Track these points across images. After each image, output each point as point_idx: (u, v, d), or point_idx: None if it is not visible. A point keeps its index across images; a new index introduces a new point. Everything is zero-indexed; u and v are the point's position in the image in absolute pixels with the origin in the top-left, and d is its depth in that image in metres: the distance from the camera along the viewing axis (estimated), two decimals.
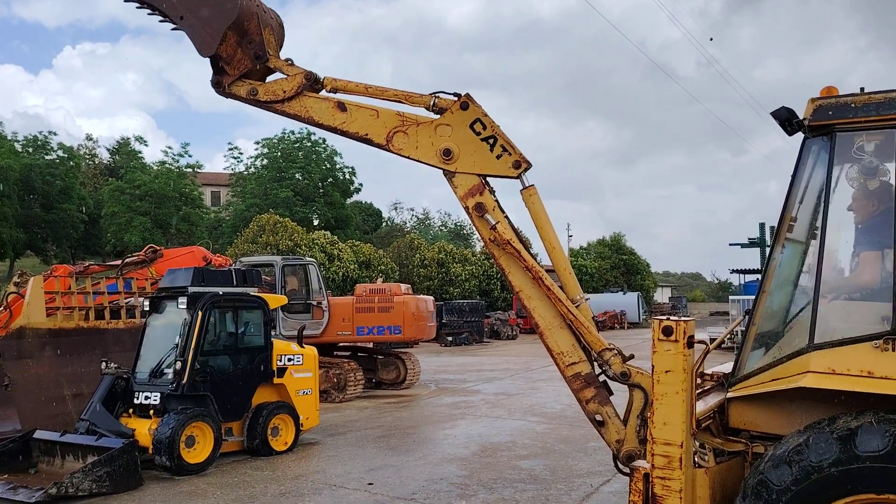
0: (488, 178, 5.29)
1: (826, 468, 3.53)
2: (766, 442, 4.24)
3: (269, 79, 5.67)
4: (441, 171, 5.30)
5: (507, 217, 5.27)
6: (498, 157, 5.19)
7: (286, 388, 10.26)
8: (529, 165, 5.21)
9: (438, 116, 5.30)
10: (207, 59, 5.51)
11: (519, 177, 5.21)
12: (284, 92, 5.49)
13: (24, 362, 10.18)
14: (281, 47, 5.73)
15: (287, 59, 5.62)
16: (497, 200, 5.30)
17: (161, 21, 5.67)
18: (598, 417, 4.91)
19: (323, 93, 5.59)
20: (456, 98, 5.27)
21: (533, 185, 5.25)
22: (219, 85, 5.58)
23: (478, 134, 5.20)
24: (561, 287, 5.15)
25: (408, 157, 5.35)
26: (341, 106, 5.46)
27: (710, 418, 4.44)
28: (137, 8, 5.66)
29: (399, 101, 5.44)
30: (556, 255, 5.23)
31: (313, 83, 5.53)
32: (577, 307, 5.04)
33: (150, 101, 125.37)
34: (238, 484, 8.30)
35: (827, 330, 3.95)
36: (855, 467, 3.49)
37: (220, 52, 5.37)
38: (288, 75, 5.53)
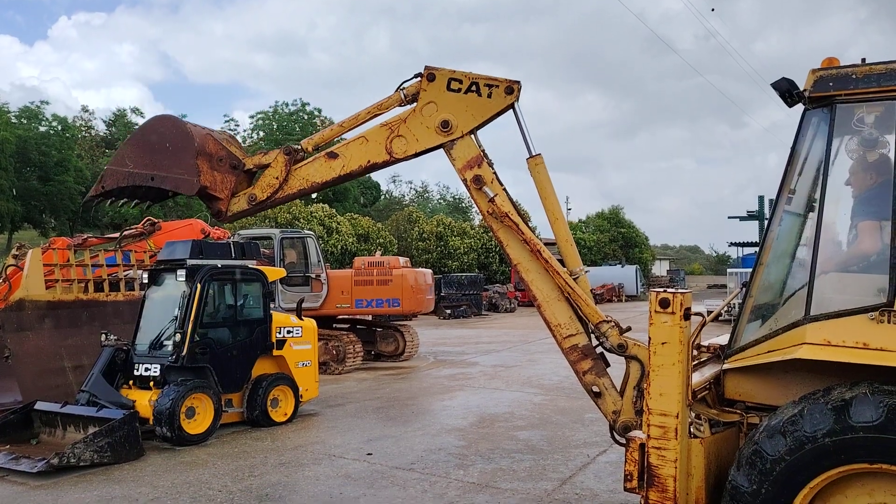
0: (486, 149, 5.30)
1: (820, 438, 3.57)
2: (761, 413, 4.28)
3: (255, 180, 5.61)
4: (443, 146, 5.29)
5: (505, 190, 5.27)
6: (489, 95, 5.19)
7: (285, 359, 10.32)
8: (519, 83, 5.20)
9: (416, 103, 5.29)
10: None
11: (517, 99, 5.20)
12: (277, 178, 5.44)
13: (24, 334, 10.22)
14: (243, 152, 5.67)
15: (258, 153, 5.62)
16: (496, 173, 5.30)
17: (135, 201, 5.75)
18: (595, 389, 4.96)
19: (309, 157, 5.54)
20: (419, 77, 5.28)
21: (539, 154, 5.28)
22: (220, 214, 5.50)
23: (459, 90, 5.21)
24: (560, 259, 5.19)
25: (416, 155, 5.38)
26: (331, 154, 5.44)
27: (706, 389, 4.48)
28: (110, 203, 5.81)
29: (374, 116, 5.43)
30: (559, 226, 5.26)
31: (294, 154, 5.48)
32: (575, 279, 5.08)
33: (146, 73, 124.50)
34: (238, 454, 8.39)
35: (823, 302, 3.96)
36: (849, 438, 3.52)
37: (203, 182, 5.26)
38: (269, 164, 5.47)
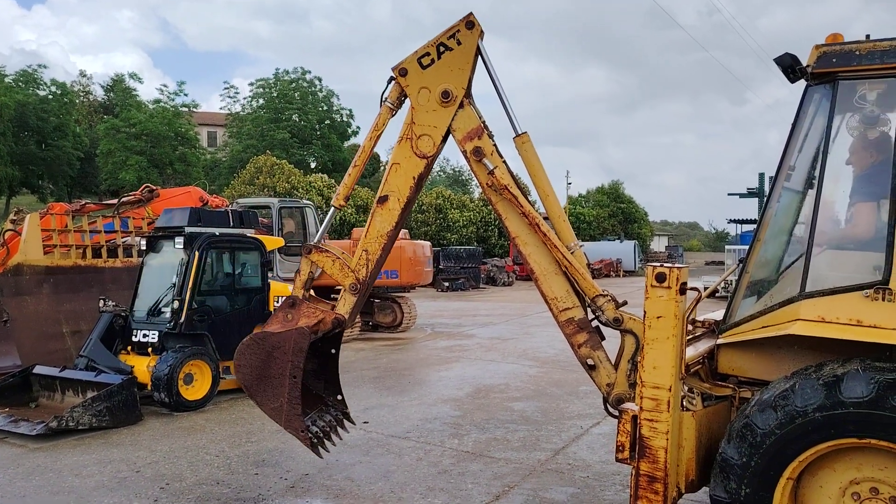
0: (487, 124, 5.29)
1: (811, 413, 3.61)
2: (753, 387, 4.32)
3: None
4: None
5: (505, 162, 5.26)
6: (458, 42, 5.22)
7: None
8: (471, 13, 5.22)
9: (407, 100, 5.38)
10: None
11: (481, 34, 5.21)
12: (364, 253, 5.53)
13: (23, 299, 10.26)
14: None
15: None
16: (496, 145, 5.28)
17: None
18: (590, 361, 5.00)
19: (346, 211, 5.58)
20: (392, 80, 5.36)
21: (526, 132, 5.23)
22: (343, 321, 5.57)
23: (433, 60, 5.26)
24: (557, 234, 5.20)
25: (444, 140, 5.37)
26: (381, 199, 5.46)
27: (700, 363, 4.51)
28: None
29: (376, 139, 5.51)
30: (550, 203, 5.28)
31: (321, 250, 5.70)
32: (571, 254, 5.09)
33: (146, 39, 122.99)
34: (236, 420, 8.47)
35: (819, 279, 3.98)
36: (839, 413, 3.56)
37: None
38: (345, 291, 5.58)
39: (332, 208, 5.79)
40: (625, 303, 5.01)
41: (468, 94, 5.30)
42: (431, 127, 5.31)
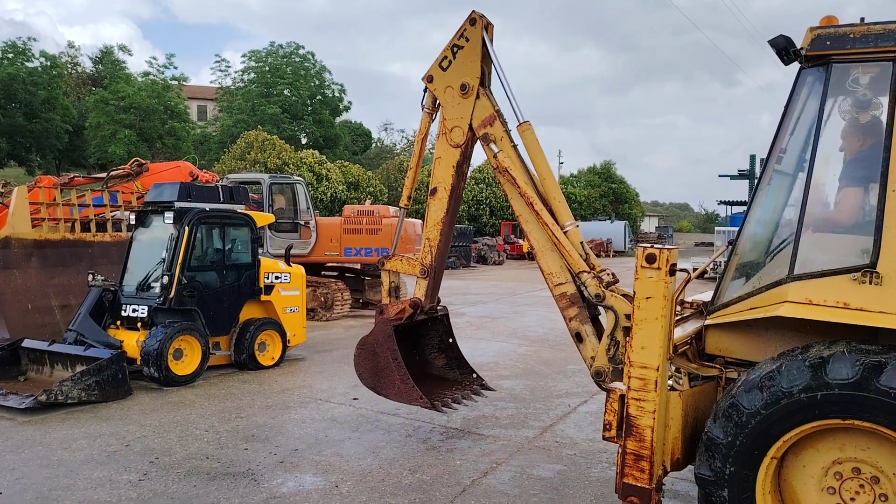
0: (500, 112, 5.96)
1: (796, 394, 3.65)
2: (739, 368, 4.36)
3: None
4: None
5: (515, 147, 5.84)
6: (467, 39, 5.97)
7: (273, 305, 10.37)
8: (473, 10, 5.93)
9: (437, 102, 6.20)
10: None
11: (485, 26, 5.89)
12: (428, 242, 6.33)
13: (11, 272, 10.20)
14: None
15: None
16: (507, 132, 5.88)
17: None
18: (579, 335, 5.36)
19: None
20: (425, 90, 6.23)
21: (528, 121, 5.69)
22: (419, 304, 6.50)
23: (449, 63, 6.05)
24: (553, 214, 5.56)
25: (471, 129, 6.01)
26: (433, 191, 6.22)
27: (687, 344, 4.55)
28: None
29: (423, 142, 6.42)
30: (547, 186, 5.71)
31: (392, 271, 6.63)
32: (565, 232, 5.47)
33: (135, 10, 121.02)
34: (225, 396, 8.49)
35: (807, 262, 4.00)
36: (823, 394, 3.60)
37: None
38: (417, 278, 6.46)
39: (401, 209, 6.70)
40: (616, 280, 5.20)
41: (483, 84, 5.95)
42: (458, 118, 6.03)
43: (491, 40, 5.96)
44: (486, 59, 5.93)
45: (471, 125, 5.97)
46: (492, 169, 6.01)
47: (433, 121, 6.29)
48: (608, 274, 5.34)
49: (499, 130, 5.84)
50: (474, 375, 6.98)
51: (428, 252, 6.33)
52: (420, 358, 7.05)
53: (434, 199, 6.21)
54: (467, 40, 5.92)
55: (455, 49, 5.99)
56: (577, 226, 5.61)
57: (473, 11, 5.91)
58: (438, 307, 6.82)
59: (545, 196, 5.67)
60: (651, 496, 4.03)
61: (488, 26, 5.93)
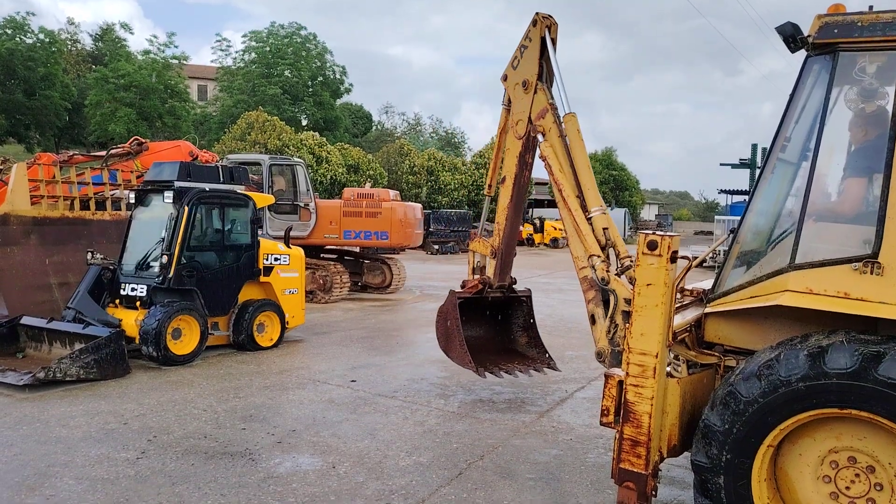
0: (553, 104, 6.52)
1: (794, 383, 3.65)
2: (738, 356, 4.36)
3: None
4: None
5: (562, 137, 6.22)
6: (529, 39, 6.64)
7: (272, 286, 10.37)
8: (538, 13, 6.53)
9: (509, 99, 6.94)
10: None
11: (547, 26, 6.50)
12: (498, 227, 7.22)
13: (10, 249, 10.18)
14: None
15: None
16: (557, 123, 6.30)
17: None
18: (593, 316, 5.63)
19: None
20: (503, 80, 6.96)
21: (572, 112, 6.18)
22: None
23: (518, 62, 6.75)
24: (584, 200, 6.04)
25: (531, 121, 6.58)
26: (502, 180, 6.98)
27: (687, 331, 4.55)
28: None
29: (502, 136, 7.11)
30: (581, 173, 6.11)
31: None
32: (589, 218, 5.85)
33: None
34: (224, 376, 8.51)
35: (809, 251, 3.99)
36: (822, 383, 3.60)
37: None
38: (488, 258, 7.44)
39: (486, 197, 7.70)
40: (629, 266, 5.29)
41: (541, 79, 6.51)
42: (521, 112, 6.66)
43: (553, 38, 6.49)
44: (546, 56, 6.49)
45: (530, 117, 6.50)
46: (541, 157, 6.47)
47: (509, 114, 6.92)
48: (631, 259, 5.41)
49: (549, 122, 6.30)
50: (546, 355, 7.73)
51: (497, 235, 7.05)
52: (507, 334, 8.03)
53: (503, 187, 6.87)
54: (530, 40, 6.57)
55: (522, 49, 6.66)
56: (605, 212, 5.86)
57: (537, 14, 6.52)
58: (521, 291, 7.70)
59: (579, 182, 6.04)
60: (647, 482, 4.05)
61: (551, 26, 6.50)
